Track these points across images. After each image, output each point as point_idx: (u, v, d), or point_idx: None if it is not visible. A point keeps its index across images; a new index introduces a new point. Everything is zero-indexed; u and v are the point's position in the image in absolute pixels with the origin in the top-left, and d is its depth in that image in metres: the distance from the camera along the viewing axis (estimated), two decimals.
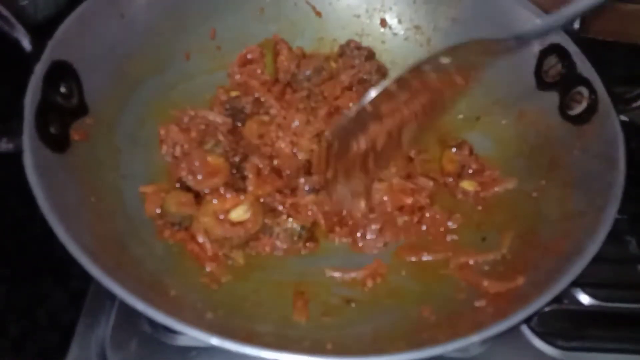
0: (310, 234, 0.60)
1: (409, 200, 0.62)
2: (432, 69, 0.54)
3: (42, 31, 0.54)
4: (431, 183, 0.64)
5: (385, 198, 0.61)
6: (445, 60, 0.54)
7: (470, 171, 0.66)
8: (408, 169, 0.65)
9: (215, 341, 0.40)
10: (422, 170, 0.65)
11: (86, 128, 0.55)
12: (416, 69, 0.53)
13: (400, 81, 0.53)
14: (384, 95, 0.53)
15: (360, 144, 0.56)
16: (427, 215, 0.62)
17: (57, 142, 0.51)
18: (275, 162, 0.64)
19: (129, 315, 0.56)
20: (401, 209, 0.62)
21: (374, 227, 0.60)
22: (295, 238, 0.59)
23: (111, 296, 0.55)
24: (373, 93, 0.53)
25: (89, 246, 0.44)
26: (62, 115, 0.53)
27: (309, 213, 0.61)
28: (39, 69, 0.51)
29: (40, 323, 0.58)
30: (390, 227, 0.61)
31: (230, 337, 0.40)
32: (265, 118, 0.68)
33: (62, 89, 0.54)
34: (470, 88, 0.58)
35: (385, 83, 0.53)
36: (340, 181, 0.59)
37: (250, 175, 0.61)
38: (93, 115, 0.57)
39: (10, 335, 0.57)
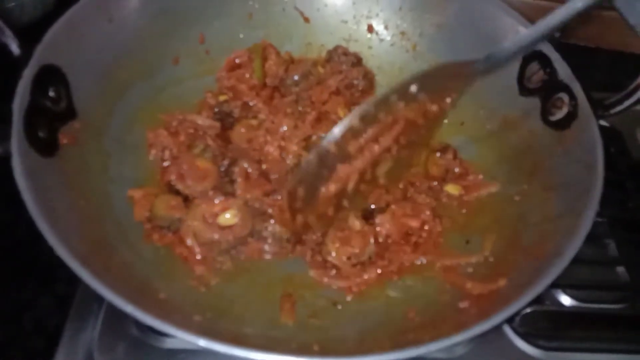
0: (298, 237, 0.60)
1: (415, 223, 0.59)
2: (400, 98, 0.51)
3: (28, 33, 0.54)
4: (428, 199, 0.62)
5: (388, 227, 0.59)
6: (414, 88, 0.51)
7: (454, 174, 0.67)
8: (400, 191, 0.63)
9: (203, 343, 0.40)
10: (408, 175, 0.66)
11: (75, 132, 0.55)
12: (382, 102, 0.50)
13: (365, 117, 0.50)
14: (349, 134, 0.50)
15: (330, 187, 0.52)
16: (426, 227, 0.61)
17: (46, 146, 0.51)
18: (264, 166, 0.64)
19: (116, 318, 0.56)
20: (406, 235, 0.59)
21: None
22: (284, 242, 0.59)
23: (99, 299, 0.56)
24: (336, 131, 0.49)
25: (77, 250, 0.44)
26: (50, 120, 0.53)
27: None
28: (28, 73, 0.51)
29: (25, 328, 0.58)
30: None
31: (219, 339, 0.41)
32: (254, 122, 0.68)
33: (51, 93, 0.54)
34: (446, 115, 0.55)
35: (347, 121, 0.50)
36: (313, 228, 0.56)
37: (239, 179, 0.61)
38: (81, 119, 0.57)
39: None
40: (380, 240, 0.59)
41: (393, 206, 0.60)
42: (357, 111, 0.50)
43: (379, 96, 0.51)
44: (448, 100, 0.54)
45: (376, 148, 0.52)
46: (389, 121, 0.51)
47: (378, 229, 0.59)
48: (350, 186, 0.53)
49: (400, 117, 0.52)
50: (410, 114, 0.52)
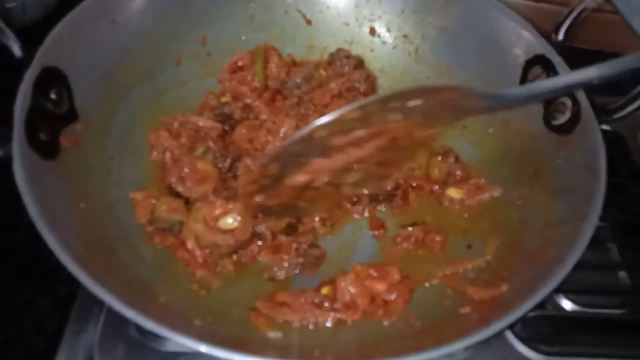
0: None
1: (380, 286, 0.54)
2: (399, 108, 0.48)
3: (29, 34, 0.54)
4: (397, 273, 0.56)
5: (353, 291, 0.53)
6: (413, 103, 0.48)
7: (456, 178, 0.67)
8: None
9: (204, 349, 0.40)
10: (409, 177, 0.66)
11: (76, 134, 0.55)
12: (382, 102, 0.47)
13: (363, 114, 0.47)
14: (337, 126, 0.47)
15: (298, 177, 0.51)
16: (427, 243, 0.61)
17: (47, 149, 0.51)
18: None
19: (117, 320, 0.56)
20: (373, 299, 0.54)
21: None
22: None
23: (100, 301, 0.56)
24: (326, 118, 0.47)
25: (78, 253, 0.44)
26: (52, 122, 0.53)
27: None
28: (29, 76, 0.51)
29: (26, 329, 0.58)
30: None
31: (219, 344, 0.41)
32: (256, 122, 0.68)
33: (52, 95, 0.54)
34: (425, 146, 0.55)
35: (341, 111, 0.47)
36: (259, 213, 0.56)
37: (243, 176, 0.61)
38: (83, 121, 0.57)
39: None
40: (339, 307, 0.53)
41: (358, 267, 0.56)
42: (353, 105, 0.47)
43: (378, 97, 0.49)
44: (435, 130, 0.53)
45: (355, 153, 0.51)
46: (375, 130, 0.49)
47: (339, 294, 0.54)
48: (317, 183, 0.52)
49: (386, 130, 0.50)
50: (397, 131, 0.50)
